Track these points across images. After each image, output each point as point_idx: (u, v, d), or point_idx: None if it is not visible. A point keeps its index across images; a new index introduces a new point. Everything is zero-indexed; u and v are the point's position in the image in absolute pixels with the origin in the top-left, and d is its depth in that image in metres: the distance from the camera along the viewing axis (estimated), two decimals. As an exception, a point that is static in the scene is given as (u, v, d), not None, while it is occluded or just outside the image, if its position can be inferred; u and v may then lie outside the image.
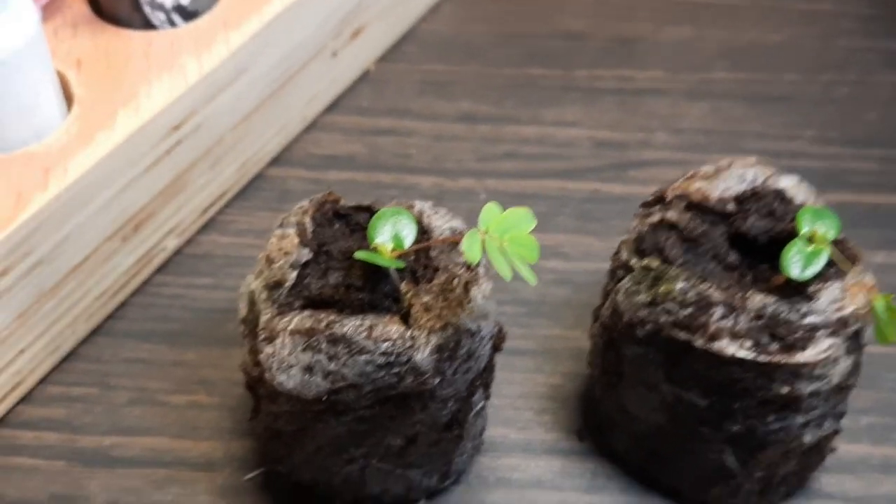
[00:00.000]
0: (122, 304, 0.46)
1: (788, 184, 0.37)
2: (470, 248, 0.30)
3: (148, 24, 0.46)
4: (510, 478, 0.41)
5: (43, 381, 0.43)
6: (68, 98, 0.43)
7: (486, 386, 0.38)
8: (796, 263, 0.33)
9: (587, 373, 0.43)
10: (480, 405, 0.38)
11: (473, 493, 0.40)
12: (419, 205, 0.38)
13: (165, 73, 0.44)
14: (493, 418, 0.43)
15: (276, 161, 0.53)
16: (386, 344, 0.33)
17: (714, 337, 0.34)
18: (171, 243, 0.47)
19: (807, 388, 0.34)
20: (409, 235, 0.34)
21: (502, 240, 0.31)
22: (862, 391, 0.42)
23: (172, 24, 0.46)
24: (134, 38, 0.46)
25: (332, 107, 0.56)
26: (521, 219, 0.32)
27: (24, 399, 0.43)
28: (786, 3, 0.64)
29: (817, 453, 0.38)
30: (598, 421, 0.42)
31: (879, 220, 0.51)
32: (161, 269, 0.48)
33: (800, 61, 0.60)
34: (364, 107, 0.56)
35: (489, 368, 0.37)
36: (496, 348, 0.37)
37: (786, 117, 0.57)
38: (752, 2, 0.64)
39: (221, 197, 0.49)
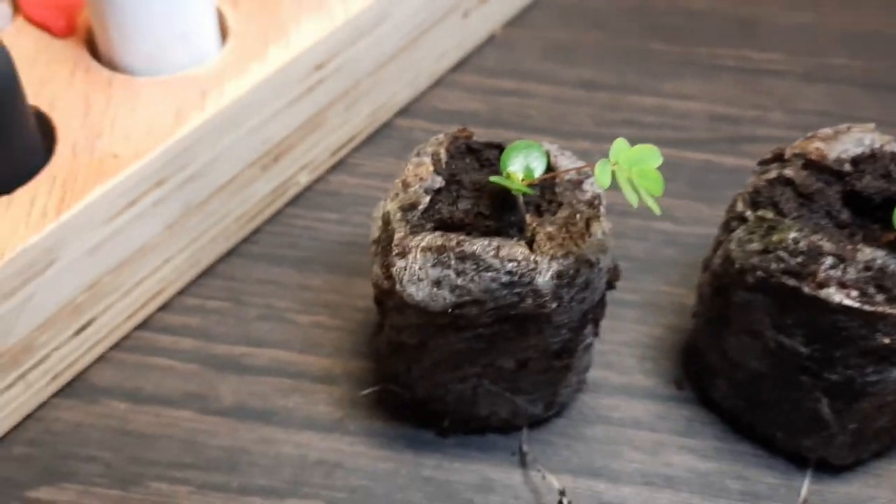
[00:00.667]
0: (257, 230, 0.50)
1: (906, 150, 0.39)
2: (601, 175, 0.33)
3: (299, -29, 0.49)
4: (610, 416, 0.43)
5: (182, 292, 0.47)
6: (224, 32, 0.47)
7: (596, 322, 0.40)
8: (908, 220, 0.35)
9: (689, 327, 0.45)
10: (589, 340, 0.40)
11: (574, 425, 0.43)
12: (547, 145, 0.40)
13: (314, 13, 0.47)
14: (597, 361, 0.45)
15: (403, 112, 0.56)
16: (511, 264, 0.35)
17: (822, 284, 0.35)
18: (304, 178, 0.51)
19: (909, 341, 0.35)
20: (538, 167, 0.36)
21: (631, 171, 0.33)
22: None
23: (322, -29, 0.49)
24: (286, -20, 0.49)
25: (459, 66, 0.58)
26: (649, 154, 0.34)
27: (164, 307, 0.46)
28: (910, -5, 0.65)
29: (913, 412, 0.39)
30: (699, 371, 0.43)
31: None
32: (293, 201, 0.51)
33: (921, 53, 0.61)
34: (489, 67, 0.59)
35: (601, 304, 0.40)
36: (610, 285, 0.39)
37: (903, 105, 0.57)
38: (876, -8, 0.65)
39: (352, 140, 0.53)
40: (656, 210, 0.33)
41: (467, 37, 0.58)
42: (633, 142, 0.54)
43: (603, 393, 0.44)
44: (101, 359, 0.44)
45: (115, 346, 0.45)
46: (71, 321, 0.42)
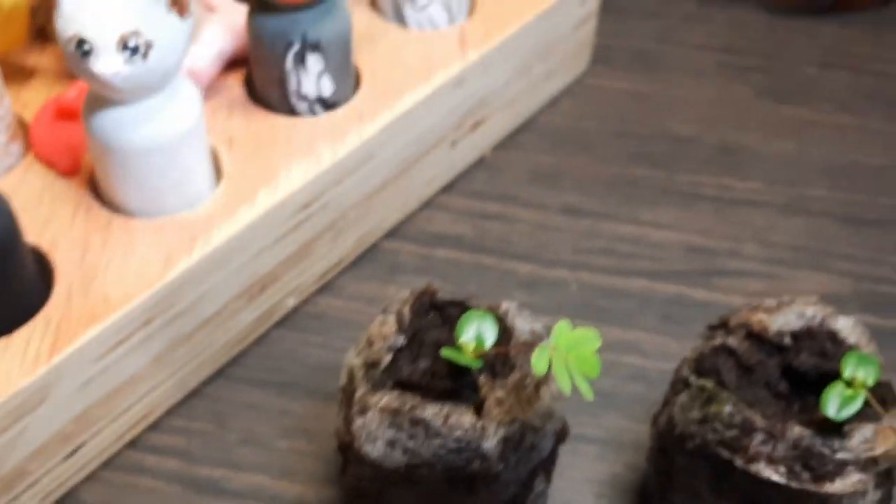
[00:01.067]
0: (242, 353, 0.52)
1: (844, 325, 0.41)
2: (538, 362, 0.35)
3: (293, 112, 0.53)
4: (565, 557, 0.45)
5: (169, 412, 0.50)
6: (218, 171, 0.50)
7: (548, 473, 0.43)
8: (834, 404, 0.37)
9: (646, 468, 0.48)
10: (540, 488, 0.43)
11: (529, 565, 0.45)
12: (506, 305, 0.42)
13: (304, 157, 0.50)
14: (556, 499, 0.47)
15: (391, 234, 0.58)
16: (459, 432, 0.38)
17: (753, 459, 0.38)
18: (291, 302, 0.54)
19: (835, 517, 0.37)
20: (490, 337, 0.39)
21: (568, 356, 0.36)
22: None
23: (314, 112, 0.53)
24: (280, 122, 0.52)
25: (448, 188, 0.61)
26: (589, 338, 0.37)
27: (152, 427, 0.49)
28: (893, 127, 0.67)
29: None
30: (651, 514, 0.46)
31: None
32: (279, 323, 0.54)
33: (897, 185, 0.63)
34: (477, 190, 0.61)
35: (551, 458, 0.42)
36: (559, 441, 0.42)
37: (877, 241, 0.59)
38: (859, 123, 0.67)
39: (338, 264, 0.55)
40: (589, 395, 0.36)
41: (456, 162, 0.61)
42: (609, 271, 0.57)
43: (560, 532, 0.46)
44: (90, 477, 0.47)
45: (105, 465, 0.48)
46: (62, 447, 0.45)
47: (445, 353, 0.38)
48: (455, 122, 0.58)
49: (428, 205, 0.60)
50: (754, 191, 0.62)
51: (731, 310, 0.44)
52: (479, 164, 0.63)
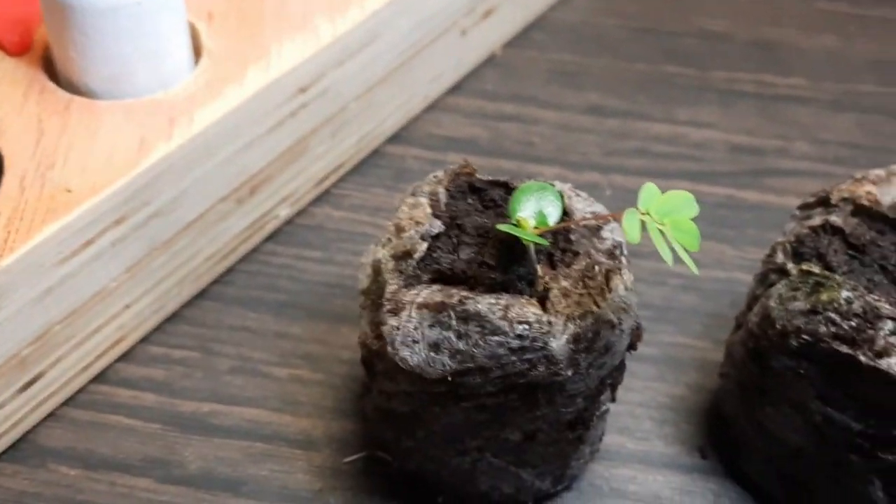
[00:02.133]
0: (230, 270, 0.44)
1: (969, 196, 0.34)
2: (630, 228, 0.28)
3: (282, -17, 0.44)
4: (626, 490, 0.38)
5: (144, 340, 0.42)
6: (197, 50, 0.42)
7: (615, 387, 0.35)
8: (983, 280, 0.30)
9: (714, 387, 0.41)
10: (606, 407, 0.35)
11: (586, 500, 0.38)
12: (560, 185, 0.35)
13: (298, 32, 0.42)
14: (611, 425, 0.40)
15: (395, 138, 0.51)
16: (522, 326, 0.30)
17: (882, 353, 0.31)
18: (285, 212, 0.46)
19: (981, 420, 0.31)
20: (553, 213, 0.32)
21: (663, 223, 0.28)
22: None
23: (308, -17, 0.45)
24: (268, -5, 0.44)
25: (456, 88, 0.54)
26: (684, 203, 0.29)
27: (125, 356, 0.41)
28: (942, 19, 0.60)
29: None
30: (726, 439, 0.39)
31: None
32: (272, 237, 0.46)
33: (955, 81, 0.56)
34: (489, 91, 0.54)
35: (621, 368, 0.35)
36: (632, 346, 0.34)
37: (938, 136, 0.53)
38: (905, 16, 0.60)
39: (338, 169, 0.48)
40: (694, 269, 0.28)
41: (465, 57, 0.53)
42: (647, 174, 0.50)
43: (618, 462, 0.39)
44: (50, 417, 0.39)
45: (68, 402, 0.40)
46: (16, 376, 0.36)
47: (501, 227, 0.30)
48: (464, 4, 0.50)
49: (435, 106, 0.53)
50: (798, 87, 0.55)
51: (787, 211, 0.37)
52: (490, 62, 0.55)
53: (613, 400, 0.36)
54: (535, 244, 0.31)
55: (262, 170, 0.42)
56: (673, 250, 0.28)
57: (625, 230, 0.28)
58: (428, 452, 0.35)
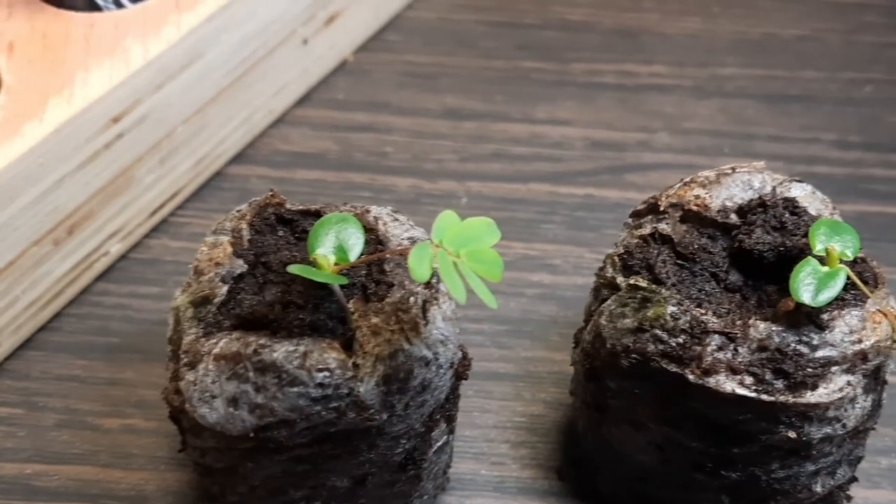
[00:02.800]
0: (57, 315, 0.42)
1: (801, 193, 0.32)
2: (418, 264, 0.26)
3: (92, 6, 0.41)
4: (480, 520, 0.36)
5: (-38, 399, 0.39)
6: (-3, 85, 0.39)
7: (450, 419, 0.33)
8: (808, 287, 0.28)
9: (571, 402, 0.39)
10: (442, 441, 0.33)
11: (436, 538, 0.36)
12: (376, 210, 0.33)
13: (106, 58, 0.39)
14: (464, 451, 0.38)
15: (238, 158, 0.48)
16: (322, 374, 0.28)
17: (710, 371, 0.29)
18: (115, 248, 0.43)
19: (818, 432, 0.29)
20: (355, 246, 0.29)
21: (459, 254, 0.26)
22: (882, 428, 0.37)
23: (119, 5, 0.42)
24: (75, 19, 0.41)
25: (304, 99, 0.51)
26: (483, 230, 0.27)
27: (-60, 419, 0.38)
28: (806, -7, 0.59)
29: (830, 504, 0.33)
30: (582, 458, 0.37)
31: (905, 232, 0.46)
32: (103, 275, 0.43)
33: (820, 58, 0.55)
34: (339, 100, 0.51)
35: (452, 399, 0.33)
36: (460, 376, 0.32)
37: (803, 119, 0.51)
38: (768, -8, 0.59)
39: (174, 197, 0.45)
40: (491, 303, 0.26)
41: (311, 66, 0.50)
42: (504, 179, 0.48)
43: (471, 491, 0.37)
44: None
45: None
46: None
47: (293, 269, 0.28)
48: (302, 13, 0.47)
49: (281, 120, 0.50)
50: (660, 75, 0.54)
51: (664, 188, 0.35)
52: (341, 68, 0.53)
53: (451, 431, 0.34)
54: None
55: (79, 207, 0.40)
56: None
57: (411, 269, 0.25)
58: (255, 505, 0.33)
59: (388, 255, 0.31)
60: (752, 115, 0.52)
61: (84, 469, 0.37)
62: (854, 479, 0.33)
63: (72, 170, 0.38)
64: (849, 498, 0.34)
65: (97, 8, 0.42)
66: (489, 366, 0.41)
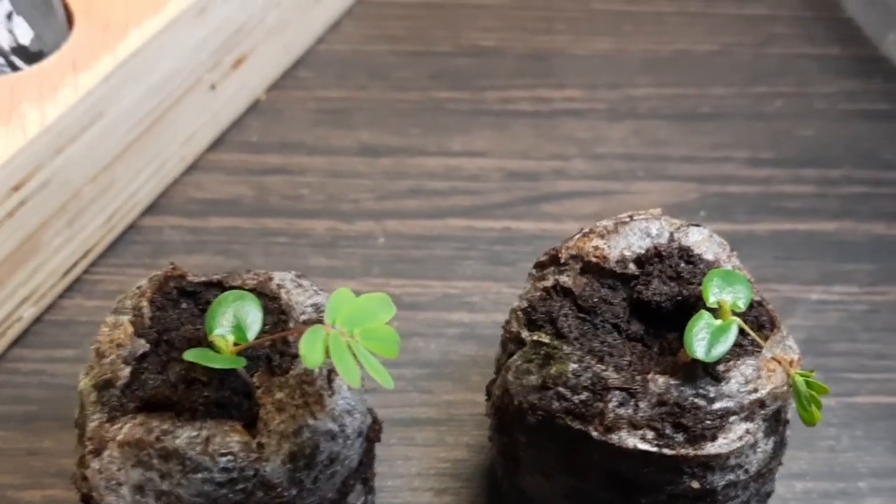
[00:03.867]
0: (-30, 386, 0.41)
1: (698, 237, 0.33)
2: (310, 350, 0.25)
3: (-14, 69, 0.41)
4: (406, 573, 0.36)
5: None
6: None
7: (366, 481, 0.33)
8: (701, 342, 0.29)
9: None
10: (360, 502, 0.33)
11: None
12: (279, 277, 0.33)
13: (2, 126, 0.39)
14: (388, 502, 0.38)
15: (150, 209, 0.47)
16: (226, 458, 0.28)
17: (612, 427, 0.29)
18: (28, 312, 0.42)
19: (721, 479, 0.30)
20: (253, 324, 0.29)
21: (352, 334, 0.26)
22: (796, 452, 0.38)
23: (13, 67, 0.41)
24: (-33, 85, 0.40)
25: (217, 143, 0.51)
26: (379, 306, 0.27)
27: None
28: (716, 7, 0.60)
29: (744, 539, 0.34)
30: (504, 502, 0.37)
31: (816, 249, 0.47)
32: (17, 341, 0.42)
33: (730, 73, 0.56)
34: (252, 142, 0.51)
35: (366, 462, 0.33)
36: (371, 441, 0.32)
37: (715, 137, 0.52)
38: (678, 8, 0.60)
39: (86, 255, 0.44)
40: (388, 383, 0.26)
41: (221, 109, 0.50)
42: (421, 215, 0.48)
43: (397, 542, 0.37)
44: None
45: None
46: None
47: (188, 355, 0.28)
48: (207, 59, 0.47)
49: (194, 166, 0.50)
50: (574, 99, 0.54)
51: (565, 239, 0.36)
52: (253, 109, 0.53)
53: (370, 491, 0.34)
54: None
55: (-15, 278, 0.39)
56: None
57: (302, 355, 0.25)
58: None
59: (290, 325, 0.31)
60: (664, 135, 0.52)
61: (2, 548, 0.37)
62: (766, 512, 0.34)
63: (-27, 243, 0.38)
64: (764, 529, 0.35)
65: (-8, 72, 0.41)
66: (411, 411, 0.41)
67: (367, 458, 0.33)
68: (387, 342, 0.27)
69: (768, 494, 0.33)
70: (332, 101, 0.53)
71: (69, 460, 0.39)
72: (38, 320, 0.43)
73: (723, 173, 0.50)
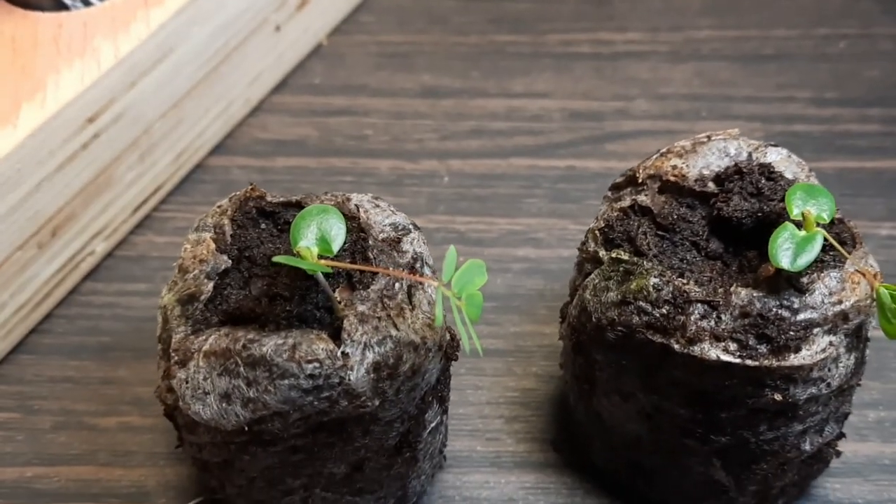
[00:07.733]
0: (47, 317, 0.42)
1: (777, 157, 0.33)
2: (441, 311, 0.27)
3: (59, 5, 0.41)
4: (478, 496, 0.37)
5: (-43, 406, 0.39)
6: (-32, 91, 0.39)
7: (442, 400, 0.34)
8: (786, 252, 0.28)
9: (562, 374, 0.39)
10: (436, 421, 0.34)
11: (436, 516, 0.36)
12: (356, 198, 0.33)
13: (77, 58, 0.39)
14: (459, 429, 0.38)
15: (217, 149, 0.48)
16: (312, 365, 0.28)
17: (694, 339, 0.29)
18: (101, 247, 0.43)
19: (803, 393, 0.30)
20: (337, 236, 0.29)
21: (461, 295, 0.27)
22: (868, 382, 0.38)
23: (87, 3, 0.41)
24: (41, 20, 0.41)
25: (280, 86, 0.51)
26: (477, 272, 0.28)
27: (-63, 428, 0.39)
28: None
29: (819, 461, 0.34)
30: (575, 429, 0.37)
31: (884, 187, 0.46)
32: (91, 275, 0.43)
33: (793, 15, 0.55)
34: (316, 84, 0.51)
35: (443, 380, 0.33)
36: (449, 358, 0.33)
37: (779, 77, 0.52)
38: (739, -48, 0.59)
39: (156, 192, 0.45)
40: (479, 350, 0.27)
41: (285, 52, 0.50)
42: (484, 154, 0.48)
43: (469, 468, 0.38)
44: None
45: None
46: None
47: (277, 259, 0.28)
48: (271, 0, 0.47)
49: (259, 108, 0.50)
50: (635, 42, 0.54)
51: (642, 159, 0.36)
52: (316, 53, 0.53)
53: (445, 412, 0.34)
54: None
55: (60, 209, 0.40)
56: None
57: (437, 318, 0.26)
58: (254, 497, 0.33)
59: (370, 243, 0.31)
60: (727, 76, 0.52)
61: (84, 469, 0.37)
62: (842, 435, 0.33)
63: (50, 173, 0.38)
64: (838, 453, 0.34)
65: (64, 7, 0.41)
66: (480, 342, 0.41)
67: (444, 377, 0.33)
68: (477, 307, 0.27)
69: (845, 416, 0.33)
70: (394, 45, 0.54)
71: (144, 389, 0.40)
72: (109, 255, 0.44)
73: (788, 113, 0.50)
